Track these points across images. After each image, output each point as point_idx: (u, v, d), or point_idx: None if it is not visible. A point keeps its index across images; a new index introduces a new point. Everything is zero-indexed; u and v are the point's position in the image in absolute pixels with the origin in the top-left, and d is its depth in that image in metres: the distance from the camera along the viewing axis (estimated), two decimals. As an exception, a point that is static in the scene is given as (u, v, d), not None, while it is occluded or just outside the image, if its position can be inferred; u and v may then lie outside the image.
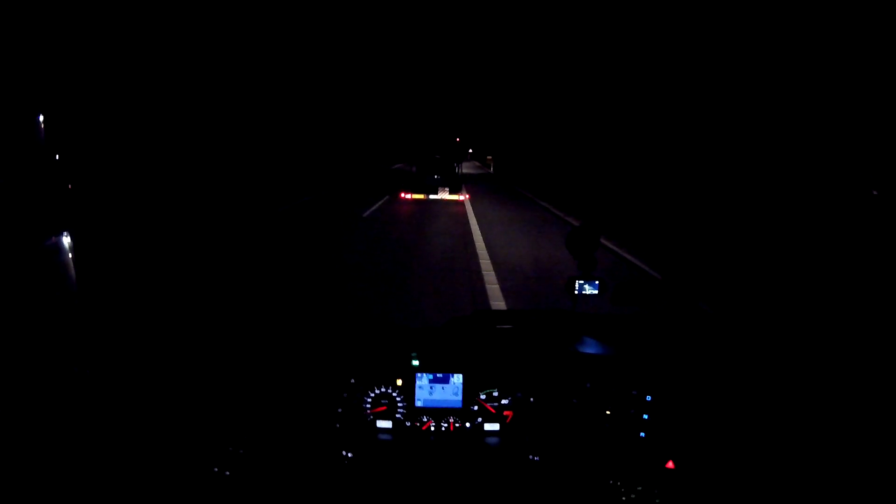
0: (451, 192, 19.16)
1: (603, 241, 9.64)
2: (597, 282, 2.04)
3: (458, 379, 1.91)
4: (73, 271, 1.67)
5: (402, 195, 19.35)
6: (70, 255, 1.67)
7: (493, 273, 8.40)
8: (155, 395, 1.77)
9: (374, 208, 17.30)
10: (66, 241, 1.66)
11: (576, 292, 2.04)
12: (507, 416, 1.91)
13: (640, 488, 1.73)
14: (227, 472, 1.72)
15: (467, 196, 20.19)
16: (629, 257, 10.60)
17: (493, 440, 1.90)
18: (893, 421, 1.65)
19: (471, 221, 15.03)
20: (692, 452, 1.79)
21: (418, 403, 1.91)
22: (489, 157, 52.27)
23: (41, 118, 1.56)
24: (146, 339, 1.78)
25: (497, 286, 7.55)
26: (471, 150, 68.41)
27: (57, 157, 1.57)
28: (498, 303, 7.01)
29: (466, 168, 44.81)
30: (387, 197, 20.33)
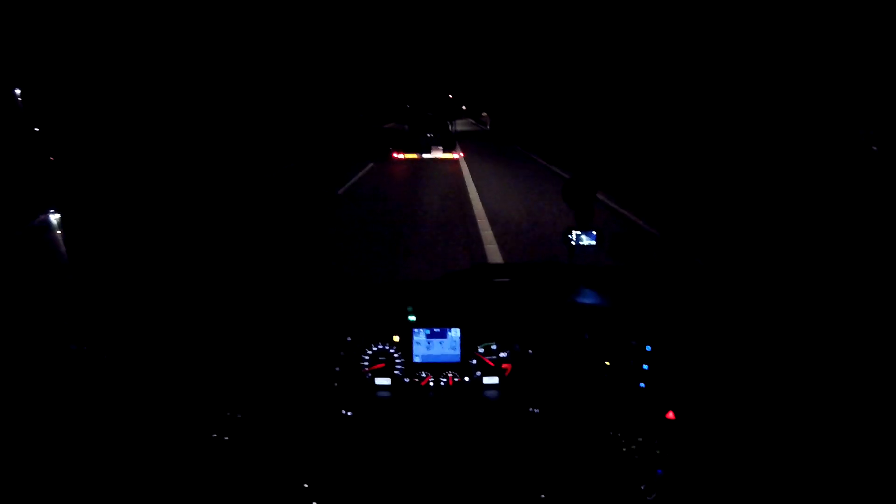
0: (444, 151, 18.94)
1: (600, 196, 9.59)
2: (594, 232, 2.05)
3: (455, 333, 1.93)
4: (63, 248, 1.68)
5: (395, 155, 19.07)
6: (59, 233, 1.67)
7: (489, 232, 8.43)
8: (152, 365, 1.79)
9: (354, 181, 14.72)
10: (54, 217, 1.66)
11: (573, 243, 2.05)
12: (505, 370, 1.94)
13: (640, 439, 1.77)
14: (227, 438, 1.75)
15: (462, 154, 19.98)
16: (627, 214, 10.63)
17: (492, 394, 1.93)
18: (884, 364, 1.68)
19: (468, 185, 14.23)
20: (692, 403, 1.83)
21: (416, 359, 1.94)
22: (484, 114, 51.27)
23: (18, 91, 1.54)
24: (140, 310, 1.79)
25: (495, 246, 7.56)
26: (464, 107, 67.46)
27: (36, 129, 1.56)
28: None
29: (461, 125, 44.17)
30: (370, 165, 17.50)
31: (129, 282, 1.78)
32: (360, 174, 15.69)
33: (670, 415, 1.81)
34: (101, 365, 1.72)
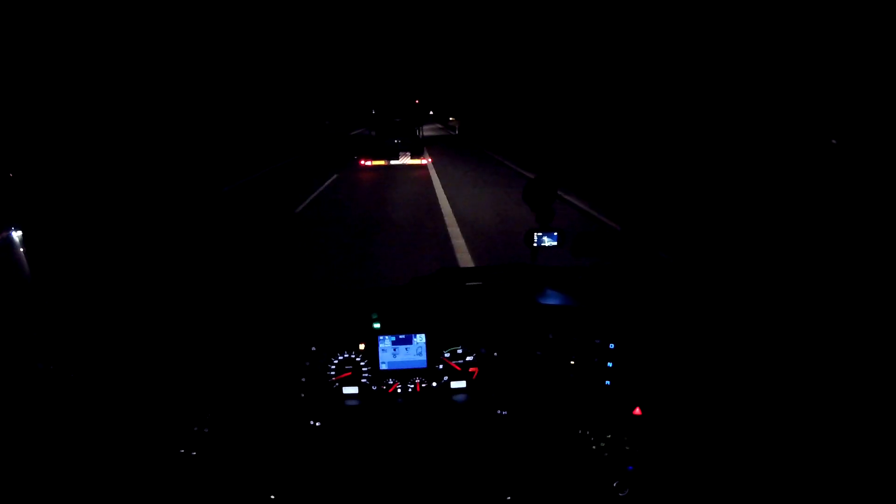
0: (412, 157, 18.89)
1: (562, 193, 9.63)
2: (555, 233, 2.08)
3: (421, 339, 1.94)
4: (26, 266, 1.65)
5: (362, 162, 18.93)
6: (21, 250, 1.64)
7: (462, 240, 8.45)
8: (118, 383, 1.78)
9: (315, 195, 13.36)
10: (16, 235, 1.64)
11: (535, 244, 2.07)
12: (472, 373, 1.96)
13: (609, 436, 1.80)
14: (194, 453, 1.74)
15: (430, 159, 20.00)
16: (588, 209, 10.79)
17: (460, 397, 1.95)
18: (851, 361, 1.73)
19: (437, 193, 13.72)
20: (658, 398, 1.86)
21: (383, 366, 1.94)
22: (452, 119, 51.26)
23: None
24: (105, 328, 1.77)
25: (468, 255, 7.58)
26: (431, 112, 67.64)
27: None
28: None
29: (428, 130, 44.23)
30: (334, 176, 16.92)
31: (93, 298, 1.76)
32: (323, 187, 14.62)
33: (637, 411, 1.84)
34: (68, 383, 1.71)
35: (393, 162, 18.71)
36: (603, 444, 1.79)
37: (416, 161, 18.86)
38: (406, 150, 18.99)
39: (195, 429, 1.76)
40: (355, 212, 11.28)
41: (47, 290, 1.71)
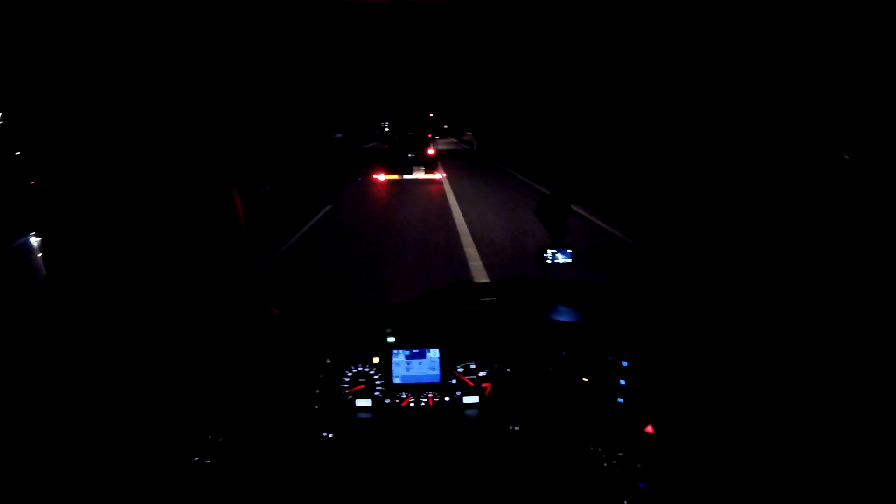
0: (426, 171, 18.99)
1: (575, 207, 9.51)
2: (569, 250, 2.13)
3: (434, 353, 2.01)
4: (43, 271, 1.74)
5: (374, 176, 19.06)
6: (39, 255, 1.73)
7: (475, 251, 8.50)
8: (133, 389, 1.84)
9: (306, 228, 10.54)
10: (34, 240, 1.73)
11: (548, 262, 2.13)
12: (485, 388, 2.02)
13: (620, 454, 1.85)
14: (208, 461, 1.80)
15: (444, 174, 20.07)
16: (601, 223, 10.81)
17: (472, 413, 2.01)
18: (866, 377, 1.76)
19: (454, 214, 12.47)
20: (671, 416, 1.91)
21: (396, 380, 2.01)
22: (469, 133, 51.19)
23: None
24: (120, 334, 1.84)
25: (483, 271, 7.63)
26: (446, 126, 67.97)
27: (17, 153, 1.63)
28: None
29: (442, 144, 44.41)
30: (328, 206, 13.33)
31: (109, 304, 1.84)
32: (307, 227, 10.71)
33: (649, 429, 1.89)
34: (82, 388, 1.77)
35: (406, 176, 18.78)
36: (614, 462, 1.84)
37: (430, 176, 18.92)
38: (420, 165, 19.07)
39: (209, 437, 1.84)
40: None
41: (63, 294, 1.79)
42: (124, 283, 1.79)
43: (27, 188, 1.68)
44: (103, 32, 1.60)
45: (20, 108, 1.63)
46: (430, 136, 20.56)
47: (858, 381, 1.76)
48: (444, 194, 16.22)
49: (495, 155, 32.41)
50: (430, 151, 20.28)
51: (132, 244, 1.77)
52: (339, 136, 50.15)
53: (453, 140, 60.65)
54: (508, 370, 2.00)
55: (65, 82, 1.62)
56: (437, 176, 19.18)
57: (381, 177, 18.81)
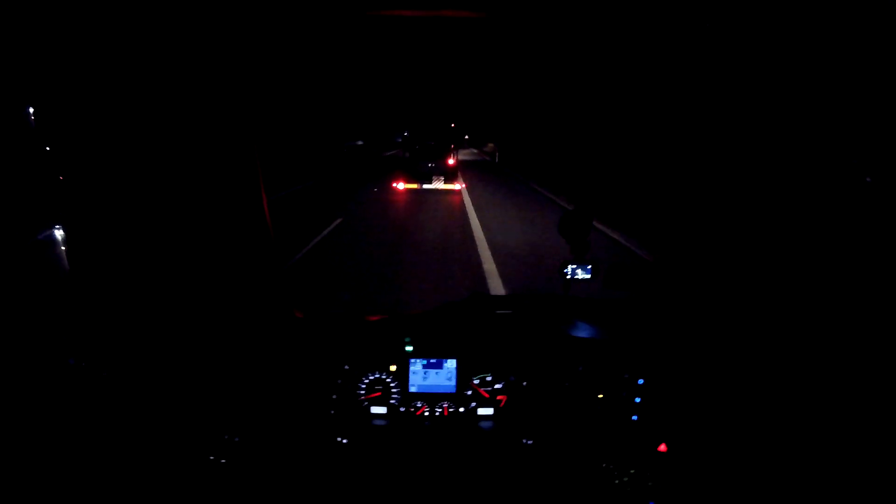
0: (446, 182, 18.99)
1: (596, 223, 9.39)
2: (589, 266, 2.16)
3: (451, 364, 2.05)
4: (66, 263, 1.80)
5: (394, 185, 19.14)
6: (63, 248, 1.79)
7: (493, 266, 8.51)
8: (150, 385, 1.89)
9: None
10: (59, 233, 1.78)
11: (568, 277, 2.16)
12: (500, 401, 2.05)
13: (632, 471, 1.87)
14: (224, 460, 1.85)
15: (464, 185, 20.10)
16: (621, 240, 10.89)
17: (486, 424, 2.03)
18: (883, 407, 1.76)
19: (474, 231, 11.71)
20: (684, 435, 1.93)
21: (412, 389, 2.05)
22: (491, 145, 51.05)
23: (31, 110, 1.67)
24: (140, 329, 1.89)
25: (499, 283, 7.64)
26: (467, 136, 68.13)
27: (48, 148, 1.69)
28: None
29: (462, 155, 44.49)
30: (336, 222, 12.09)
31: (131, 299, 1.89)
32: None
33: (662, 447, 1.90)
34: (100, 381, 1.81)
35: (425, 186, 18.80)
36: (626, 479, 1.86)
37: (450, 186, 18.93)
38: (440, 175, 19.08)
39: (225, 436, 1.88)
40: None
41: (85, 288, 1.84)
42: (147, 279, 1.84)
43: (55, 183, 1.74)
44: (139, 33, 1.66)
45: (51, 105, 1.68)
46: (451, 146, 20.56)
47: (876, 403, 1.77)
48: (460, 193, 17.57)
49: (518, 167, 32.22)
50: (451, 161, 20.30)
51: (156, 241, 1.81)
52: (360, 143, 50.35)
53: (474, 150, 60.78)
54: (524, 383, 2.03)
55: (98, 81, 1.68)
56: (457, 186, 19.18)
57: (401, 185, 18.88)
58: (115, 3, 1.61)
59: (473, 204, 16.77)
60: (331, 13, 1.77)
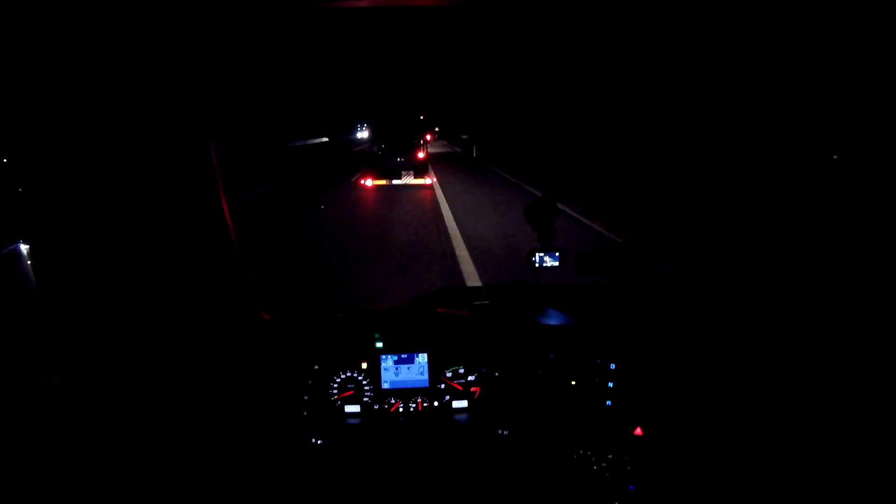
0: (416, 176, 18.92)
1: (564, 207, 9.31)
2: (557, 253, 2.23)
3: (423, 358, 2.10)
4: (32, 278, 1.80)
5: (362, 182, 19.00)
6: (28, 262, 1.79)
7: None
8: (122, 395, 1.90)
9: None
10: (24, 248, 1.79)
11: (536, 265, 2.22)
12: (474, 393, 2.11)
13: (609, 456, 1.94)
14: (197, 467, 1.87)
15: (435, 178, 20.09)
16: (589, 223, 11.10)
17: (461, 417, 2.09)
18: (857, 379, 1.84)
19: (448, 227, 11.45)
20: (659, 418, 2.00)
21: (385, 385, 2.09)
22: (464, 136, 50.61)
23: None
24: (110, 341, 1.90)
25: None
26: (437, 129, 67.89)
27: (4, 160, 1.70)
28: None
29: (434, 148, 44.34)
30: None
31: (100, 311, 1.90)
32: None
33: (638, 431, 1.98)
34: (72, 396, 1.83)
35: (395, 182, 18.66)
36: (604, 465, 1.93)
37: (420, 181, 18.85)
38: (409, 170, 19.01)
39: (197, 442, 1.91)
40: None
41: (54, 302, 1.85)
42: (114, 289, 1.85)
43: (15, 195, 1.74)
44: (91, 37, 1.67)
45: (7, 114, 1.69)
46: (424, 138, 20.35)
47: (850, 384, 1.85)
48: (432, 188, 17.33)
49: (486, 156, 31.98)
50: (421, 155, 20.23)
51: (121, 251, 1.83)
52: (326, 139, 49.84)
53: (444, 143, 60.56)
54: (497, 374, 2.08)
55: (53, 88, 1.68)
56: (428, 181, 19.13)
57: (369, 182, 18.73)
58: (66, 10, 1.62)
59: (444, 194, 16.73)
60: (290, 3, 1.79)
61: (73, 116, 1.71)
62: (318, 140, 49.42)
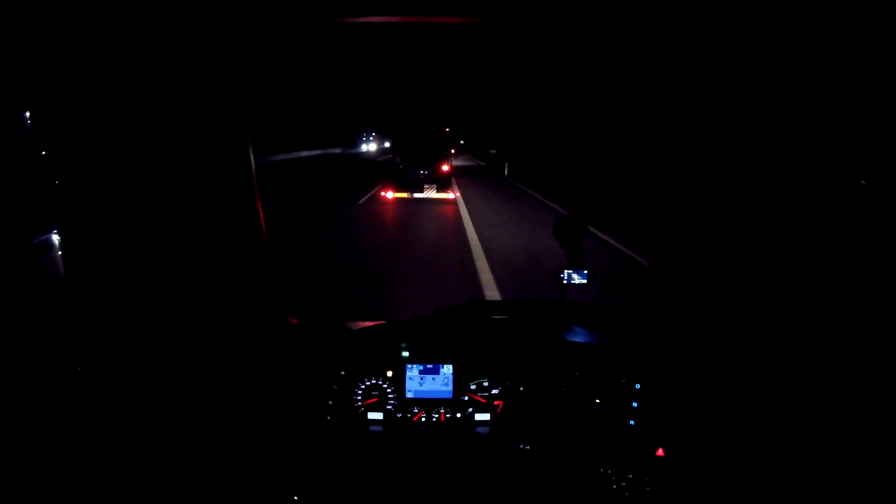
0: (438, 190, 18.78)
1: (592, 229, 9.31)
2: (585, 271, 2.31)
3: (448, 369, 2.18)
4: (62, 269, 1.90)
5: (382, 194, 18.99)
6: (59, 253, 1.90)
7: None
8: (145, 391, 1.99)
9: None
10: (56, 238, 1.89)
11: (564, 282, 2.29)
12: (497, 406, 2.19)
13: (630, 476, 2.01)
14: (217, 467, 1.97)
15: (457, 194, 20.03)
16: (617, 245, 11.13)
17: (483, 430, 2.16)
18: (880, 409, 1.88)
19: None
20: (682, 440, 2.05)
21: (409, 395, 2.18)
22: (492, 151, 50.00)
23: (27, 114, 1.79)
24: (136, 335, 1.99)
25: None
26: (462, 142, 67.87)
27: (43, 153, 1.81)
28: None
29: (457, 160, 44.27)
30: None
31: (127, 305, 1.98)
32: None
33: (660, 452, 2.04)
34: (95, 387, 1.91)
35: (416, 195, 18.55)
36: (624, 484, 1.99)
37: (443, 195, 18.70)
38: (432, 183, 18.84)
39: (220, 443, 2.00)
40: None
41: (81, 294, 1.92)
42: (142, 284, 1.94)
43: (51, 187, 1.85)
44: (135, 38, 1.77)
45: (47, 109, 1.79)
46: (450, 150, 20.10)
47: (878, 410, 1.89)
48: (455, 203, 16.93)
49: (516, 173, 31.17)
50: (445, 168, 20.04)
51: (152, 247, 1.92)
52: (317, 152, 49.17)
53: (469, 156, 60.32)
54: (521, 389, 2.16)
55: (94, 85, 1.79)
56: (451, 196, 19.00)
57: (389, 194, 18.72)
58: (110, 7, 1.73)
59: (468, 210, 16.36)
60: (321, 16, 1.88)
61: (110, 111, 1.82)
62: (306, 153, 45.30)
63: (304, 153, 45.04)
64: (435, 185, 18.80)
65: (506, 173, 33.78)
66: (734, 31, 1.92)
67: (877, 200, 2.24)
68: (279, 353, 2.15)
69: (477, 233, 13.12)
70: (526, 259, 10.38)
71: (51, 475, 1.78)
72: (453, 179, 21.79)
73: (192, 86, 1.85)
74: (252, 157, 1.98)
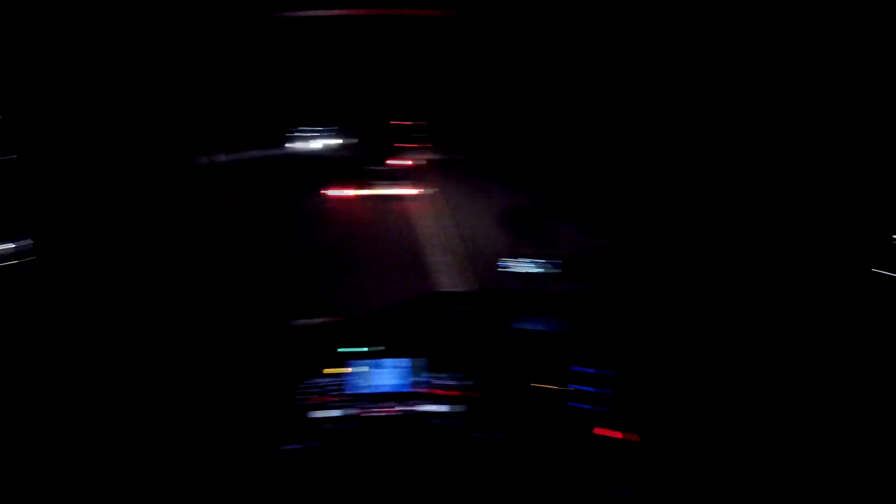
0: (397, 185, 18.02)
1: (553, 214, 9.24)
2: (545, 259, 2.35)
3: (405, 363, 2.16)
4: (37, 273, 1.90)
5: (326, 191, 18.11)
6: (34, 258, 1.89)
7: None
8: (119, 391, 1.97)
9: None
10: (28, 243, 1.89)
11: (523, 271, 2.35)
12: (456, 398, 2.17)
13: (604, 462, 2.03)
14: (177, 471, 1.93)
15: (421, 189, 19.46)
16: (581, 231, 10.86)
17: (442, 422, 2.15)
18: (855, 385, 1.94)
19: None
20: (655, 424, 2.07)
21: (364, 390, 2.18)
22: (462, 142, 48.70)
23: None
24: (111, 337, 1.96)
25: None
26: (422, 133, 66.40)
27: (15, 156, 1.80)
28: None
29: (424, 154, 43.11)
30: None
31: (102, 308, 1.96)
32: None
33: (634, 437, 2.06)
34: (70, 386, 1.90)
35: (372, 192, 17.78)
36: (598, 471, 2.01)
37: (402, 191, 18.00)
38: (389, 177, 18.16)
39: (178, 447, 1.96)
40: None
41: (57, 297, 1.90)
42: (117, 288, 1.93)
43: (23, 191, 1.84)
44: (101, 42, 1.78)
45: (20, 113, 1.77)
46: (406, 141, 19.48)
47: (848, 389, 1.94)
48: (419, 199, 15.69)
49: (495, 169, 30.61)
50: (403, 161, 19.48)
51: (126, 250, 1.90)
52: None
53: (429, 146, 59.11)
54: (484, 380, 2.15)
55: (64, 90, 1.78)
56: (413, 191, 18.41)
57: (336, 192, 17.85)
58: (84, 19, 1.72)
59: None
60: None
61: (80, 118, 1.80)
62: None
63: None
64: (393, 179, 18.18)
65: (473, 162, 33.30)
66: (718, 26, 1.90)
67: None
68: (250, 352, 2.13)
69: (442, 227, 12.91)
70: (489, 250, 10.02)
71: (31, 473, 1.77)
72: (417, 173, 21.13)
73: (157, 89, 1.84)
74: (223, 160, 1.96)
